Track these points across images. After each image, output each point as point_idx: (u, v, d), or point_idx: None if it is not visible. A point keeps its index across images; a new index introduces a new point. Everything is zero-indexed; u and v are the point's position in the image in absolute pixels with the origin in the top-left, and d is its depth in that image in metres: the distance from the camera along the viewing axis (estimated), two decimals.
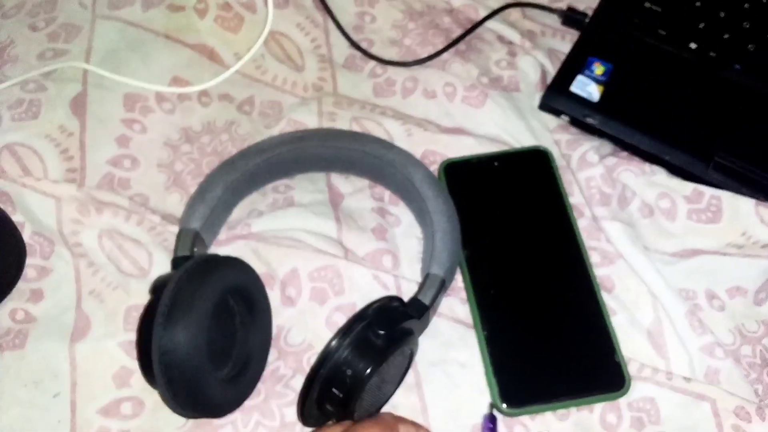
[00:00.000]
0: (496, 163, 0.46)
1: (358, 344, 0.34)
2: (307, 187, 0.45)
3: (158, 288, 0.35)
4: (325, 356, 0.34)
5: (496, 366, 0.39)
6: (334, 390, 0.34)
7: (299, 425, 0.38)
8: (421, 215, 0.42)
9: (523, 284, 0.42)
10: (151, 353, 0.33)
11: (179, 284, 0.34)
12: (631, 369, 0.40)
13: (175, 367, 0.33)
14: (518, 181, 0.45)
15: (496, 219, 0.44)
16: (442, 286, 0.38)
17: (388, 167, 0.42)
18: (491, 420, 0.38)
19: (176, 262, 0.39)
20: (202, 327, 0.34)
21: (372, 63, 0.50)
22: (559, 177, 0.45)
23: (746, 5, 0.50)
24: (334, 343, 0.34)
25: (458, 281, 0.42)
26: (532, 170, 0.45)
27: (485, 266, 0.42)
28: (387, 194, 0.45)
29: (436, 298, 0.38)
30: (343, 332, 0.34)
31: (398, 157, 0.43)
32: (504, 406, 0.38)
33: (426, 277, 0.39)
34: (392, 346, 0.34)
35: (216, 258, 0.37)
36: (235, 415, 0.38)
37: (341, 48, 0.51)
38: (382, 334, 0.34)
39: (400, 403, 0.39)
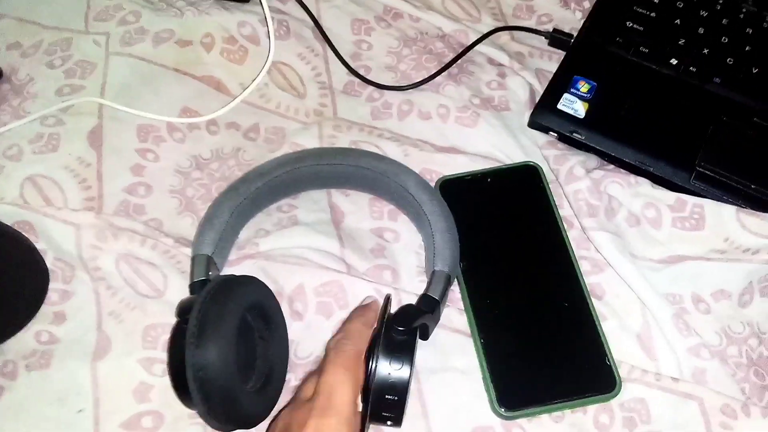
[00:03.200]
0: (489, 179, 0.48)
1: (389, 349, 0.37)
2: (310, 206, 0.48)
3: (184, 310, 0.37)
4: (369, 374, 0.36)
5: (493, 372, 0.41)
6: (387, 397, 0.36)
7: None
8: (419, 219, 0.44)
9: (517, 293, 0.44)
10: (185, 372, 0.35)
11: (205, 306, 0.36)
12: (622, 371, 0.42)
13: (209, 382, 0.35)
14: (510, 196, 0.47)
15: (491, 232, 0.46)
16: (449, 280, 0.41)
17: (382, 177, 0.45)
18: None
19: (194, 287, 0.41)
20: (230, 343, 0.36)
21: (369, 88, 0.53)
22: (549, 190, 0.47)
23: (724, 21, 0.53)
24: (371, 361, 0.37)
25: (456, 292, 0.44)
26: (523, 185, 0.48)
27: (481, 277, 0.44)
28: (386, 211, 0.48)
29: (444, 293, 0.41)
30: (373, 345, 0.37)
31: (390, 167, 0.45)
32: (502, 410, 0.40)
33: (432, 274, 0.41)
34: (415, 340, 0.37)
35: (234, 278, 0.40)
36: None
37: (340, 75, 0.54)
38: (402, 331, 0.37)
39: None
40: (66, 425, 0.41)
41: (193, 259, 0.42)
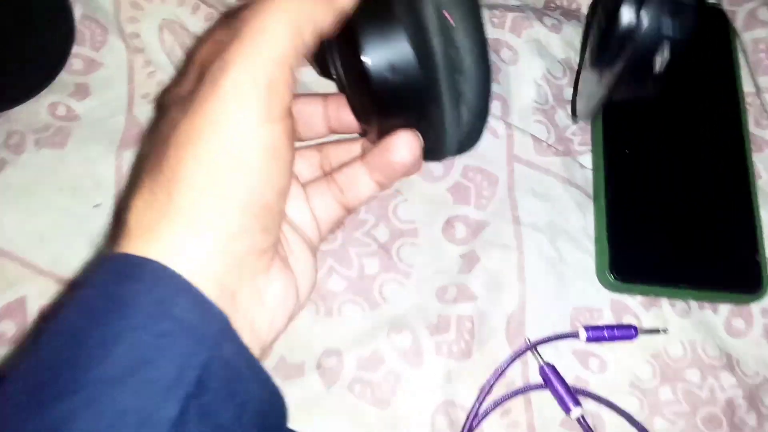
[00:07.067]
0: None
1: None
2: None
3: None
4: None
5: (612, 233, 0.33)
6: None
7: (379, 278, 0.32)
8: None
9: (664, 152, 0.35)
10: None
11: None
12: None
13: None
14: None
15: None
16: None
17: None
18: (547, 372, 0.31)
19: None
20: None
21: None
22: (734, 43, 0.37)
23: None
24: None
25: (580, 138, 0.35)
26: (702, 30, 0.37)
27: (624, 126, 0.35)
28: None
29: None
30: None
31: None
32: (612, 276, 0.32)
33: None
34: None
35: None
36: None
37: None
38: None
39: (501, 267, 0.33)
40: (78, 219, 0.33)
41: None
